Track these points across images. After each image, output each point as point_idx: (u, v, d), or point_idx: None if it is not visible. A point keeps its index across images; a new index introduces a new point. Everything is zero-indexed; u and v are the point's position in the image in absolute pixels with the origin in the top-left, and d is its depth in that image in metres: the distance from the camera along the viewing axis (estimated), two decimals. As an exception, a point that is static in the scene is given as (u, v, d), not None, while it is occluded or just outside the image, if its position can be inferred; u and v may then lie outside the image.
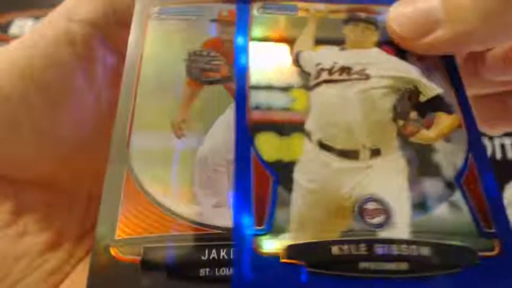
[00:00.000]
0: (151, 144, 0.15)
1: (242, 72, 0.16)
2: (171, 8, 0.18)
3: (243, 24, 0.17)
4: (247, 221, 0.13)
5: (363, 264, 0.13)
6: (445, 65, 0.17)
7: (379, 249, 0.13)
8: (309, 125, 0.15)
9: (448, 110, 0.15)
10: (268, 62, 0.16)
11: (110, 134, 0.15)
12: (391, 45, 0.17)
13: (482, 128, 0.19)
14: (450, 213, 0.14)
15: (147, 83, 0.16)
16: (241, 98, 0.15)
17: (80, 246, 0.17)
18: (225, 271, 0.13)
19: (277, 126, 0.15)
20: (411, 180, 0.14)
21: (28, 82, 0.16)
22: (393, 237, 0.13)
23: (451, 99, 0.16)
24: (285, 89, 0.16)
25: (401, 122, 0.15)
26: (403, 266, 0.13)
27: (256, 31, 0.17)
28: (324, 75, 0.16)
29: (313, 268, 0.12)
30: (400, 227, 0.13)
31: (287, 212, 0.13)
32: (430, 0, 0.15)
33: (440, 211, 0.14)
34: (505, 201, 0.33)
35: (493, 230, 0.13)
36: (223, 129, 0.15)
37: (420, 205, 0.14)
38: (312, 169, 0.14)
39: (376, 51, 0.17)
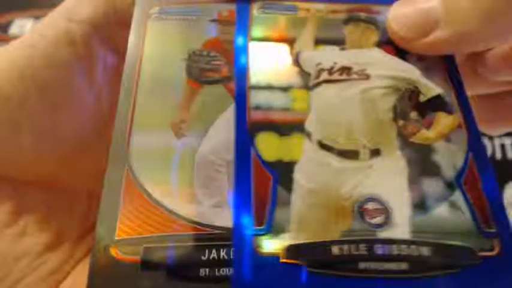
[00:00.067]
0: (151, 144, 0.15)
1: (242, 72, 0.16)
2: (171, 8, 0.18)
3: (243, 24, 0.17)
4: (247, 221, 0.13)
5: (363, 264, 0.13)
6: (445, 65, 0.17)
7: (379, 249, 0.13)
8: (309, 125, 0.15)
9: (448, 110, 0.15)
10: (268, 62, 0.16)
11: (110, 134, 0.15)
12: (391, 45, 0.17)
13: (482, 128, 0.19)
14: (450, 213, 0.14)
15: (147, 83, 0.16)
16: (241, 98, 0.15)
17: (80, 246, 0.17)
18: (225, 271, 0.13)
19: (277, 126, 0.15)
20: (411, 180, 0.14)
21: (28, 82, 0.16)
22: (393, 237, 0.13)
23: (451, 99, 0.16)
24: (285, 89, 0.16)
25: (401, 122, 0.15)
26: (403, 266, 0.13)
27: (256, 31, 0.17)
28: (324, 75, 0.16)
29: (313, 268, 0.12)
30: (400, 227, 0.13)
31: (287, 212, 0.13)
32: (430, 0, 0.15)
33: (440, 211, 0.14)
34: (505, 201, 0.33)
35: (493, 230, 0.13)
36: (223, 129, 0.15)
37: (420, 205, 0.14)
38: (312, 169, 0.14)
39: (376, 51, 0.17)
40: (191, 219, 0.14)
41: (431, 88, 0.16)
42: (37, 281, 0.15)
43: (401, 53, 0.17)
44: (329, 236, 0.13)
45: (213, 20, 0.17)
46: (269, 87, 0.16)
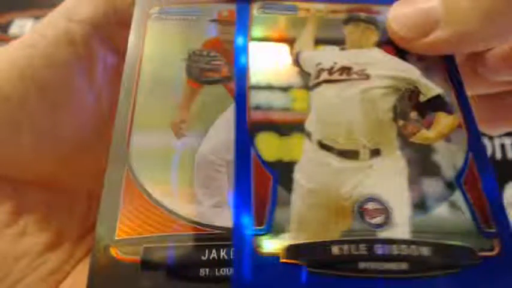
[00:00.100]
0: (151, 144, 0.15)
1: (242, 72, 0.16)
2: (171, 8, 0.18)
3: (243, 24, 0.17)
4: (247, 221, 0.13)
5: (362, 264, 0.13)
6: (445, 65, 0.17)
7: (379, 249, 0.13)
8: (309, 125, 0.15)
9: (448, 110, 0.15)
10: (268, 62, 0.16)
11: (110, 134, 0.15)
12: (391, 45, 0.17)
13: (482, 128, 0.19)
14: (450, 213, 0.14)
15: (147, 83, 0.16)
16: (241, 98, 0.15)
17: (80, 246, 0.17)
18: (225, 271, 0.13)
19: (277, 126, 0.15)
20: (411, 180, 0.14)
21: (28, 82, 0.16)
22: (393, 237, 0.13)
23: (451, 99, 0.16)
24: (285, 89, 0.16)
25: (401, 122, 0.15)
26: (403, 266, 0.13)
27: (256, 31, 0.17)
28: (324, 75, 0.16)
29: (313, 268, 0.12)
30: (400, 227, 0.13)
31: (287, 212, 0.13)
32: (430, 0, 0.15)
33: (440, 211, 0.14)
34: (505, 201, 0.33)
35: (493, 230, 0.13)
36: (223, 129, 0.15)
37: (420, 205, 0.14)
38: (312, 169, 0.14)
39: (376, 51, 0.17)
40: (191, 219, 0.14)
41: (431, 88, 0.16)
42: (37, 281, 0.15)
43: (401, 53, 0.17)
44: (329, 236, 0.13)
45: (213, 20, 0.17)
46: (269, 87, 0.16)
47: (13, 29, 0.40)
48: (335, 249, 0.13)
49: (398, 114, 0.15)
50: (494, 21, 0.14)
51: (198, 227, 0.14)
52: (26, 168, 0.17)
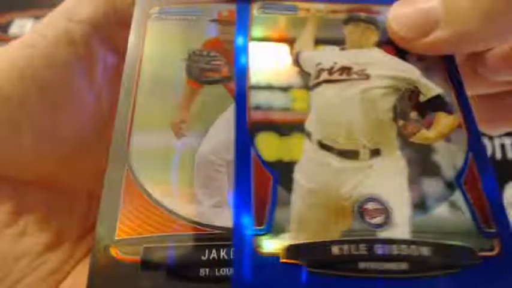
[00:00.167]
0: (151, 144, 0.15)
1: (242, 72, 0.16)
2: (171, 8, 0.18)
3: (243, 24, 0.17)
4: (247, 221, 0.13)
5: (362, 264, 0.13)
6: (445, 65, 0.17)
7: (379, 249, 0.13)
8: (309, 125, 0.15)
9: (448, 110, 0.15)
10: (268, 62, 0.16)
11: (110, 134, 0.15)
12: (391, 45, 0.17)
13: (482, 128, 0.19)
14: (450, 213, 0.14)
15: (147, 83, 0.16)
16: (241, 98, 0.15)
17: (80, 246, 0.17)
18: (225, 271, 0.13)
19: (277, 126, 0.15)
20: (411, 180, 0.14)
21: (28, 82, 0.16)
22: (393, 237, 0.13)
23: (451, 99, 0.16)
24: (285, 89, 0.16)
25: (401, 122, 0.15)
26: (403, 266, 0.13)
27: (256, 31, 0.17)
28: (324, 75, 0.16)
29: (313, 268, 0.12)
30: (400, 227, 0.13)
31: (287, 212, 0.13)
32: (430, 0, 0.15)
33: (440, 211, 0.14)
34: (505, 201, 0.33)
35: (493, 230, 0.13)
36: (223, 129, 0.15)
37: (420, 205, 0.14)
38: (312, 169, 0.14)
39: (376, 51, 0.17)
40: (191, 219, 0.14)
41: (431, 88, 0.16)
42: (37, 281, 0.15)
43: (401, 53, 0.17)
44: (329, 236, 0.13)
45: (213, 20, 0.17)
46: (269, 87, 0.16)
47: (13, 29, 0.40)
48: (335, 249, 0.13)
49: (398, 114, 0.15)
50: (494, 21, 0.14)
51: (198, 227, 0.14)
52: (26, 168, 0.17)
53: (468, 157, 0.15)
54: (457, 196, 0.14)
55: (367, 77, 0.16)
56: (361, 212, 0.13)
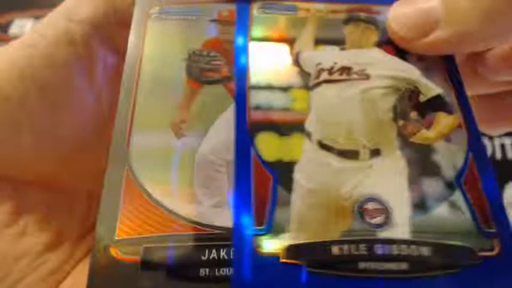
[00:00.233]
0: (151, 144, 0.15)
1: (242, 72, 0.16)
2: (171, 8, 0.18)
3: (243, 24, 0.17)
4: (247, 221, 0.13)
5: (363, 264, 0.13)
6: (445, 65, 0.17)
7: (379, 249, 0.13)
8: (309, 125, 0.15)
9: (448, 110, 0.15)
10: (268, 62, 0.16)
11: (110, 134, 0.15)
12: (391, 45, 0.17)
13: (482, 128, 0.19)
14: (450, 213, 0.14)
15: (147, 83, 0.16)
16: (241, 98, 0.15)
17: (80, 246, 0.17)
18: (225, 271, 0.13)
19: (277, 126, 0.15)
20: (411, 180, 0.14)
21: (28, 82, 0.16)
22: (393, 237, 0.13)
23: (451, 99, 0.16)
24: (285, 89, 0.16)
25: (401, 122, 0.15)
26: (403, 266, 0.13)
27: (256, 31, 0.17)
28: (324, 75, 0.16)
29: (313, 268, 0.12)
30: (400, 227, 0.13)
31: (287, 212, 0.13)
32: (430, 0, 0.15)
33: (440, 211, 0.14)
34: (505, 201, 0.33)
35: (493, 230, 0.13)
36: (223, 129, 0.15)
37: (420, 205, 0.14)
38: (312, 169, 0.14)
39: (376, 51, 0.17)
40: (191, 219, 0.14)
41: (431, 88, 0.16)
42: (37, 281, 0.15)
43: (401, 53, 0.17)
44: (329, 236, 0.13)
45: (213, 20, 0.17)
46: (269, 87, 0.16)
47: (13, 29, 0.40)
48: (335, 249, 0.13)
49: (398, 114, 0.15)
50: (494, 21, 0.14)
51: (198, 227, 0.14)
52: (26, 168, 0.17)
53: (468, 157, 0.15)
54: (457, 196, 0.14)
55: (367, 77, 0.16)
56: (361, 212, 0.13)
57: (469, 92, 0.16)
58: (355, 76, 0.16)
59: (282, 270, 0.12)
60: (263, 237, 0.13)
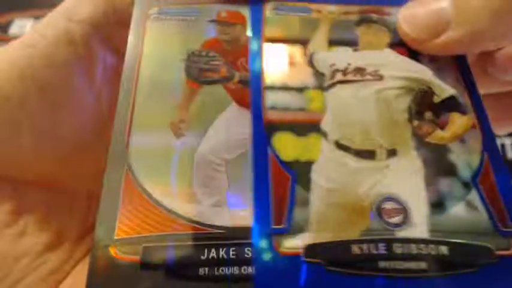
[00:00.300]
0: (151, 144, 0.15)
1: (257, 73, 0.16)
2: (170, 9, 0.18)
3: (256, 25, 0.17)
4: (266, 220, 0.13)
5: (382, 264, 0.13)
6: (457, 66, 0.17)
7: (398, 249, 0.13)
8: (325, 125, 0.15)
9: (462, 111, 0.15)
10: (282, 62, 0.16)
11: (109, 134, 0.15)
12: (404, 47, 0.17)
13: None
14: (467, 212, 0.14)
15: (146, 83, 0.16)
16: (257, 98, 0.15)
17: (79, 246, 0.16)
18: (224, 270, 0.13)
19: (293, 126, 0.15)
20: (427, 180, 0.14)
21: (28, 82, 0.16)
22: (411, 236, 0.13)
23: (465, 99, 0.16)
24: (300, 89, 0.16)
25: (416, 123, 0.15)
26: (422, 265, 0.13)
27: (270, 32, 0.17)
28: (339, 76, 0.16)
29: (333, 267, 0.13)
30: (419, 227, 0.13)
31: (306, 211, 0.13)
32: (441, 1, 0.15)
33: (457, 210, 0.14)
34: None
35: (509, 229, 0.13)
36: (222, 129, 0.15)
37: (437, 205, 0.14)
38: (329, 169, 0.14)
39: (388, 52, 0.17)
40: (190, 218, 0.14)
41: (445, 89, 0.16)
42: (37, 281, 0.15)
43: (413, 54, 0.17)
44: (348, 236, 0.13)
45: (212, 21, 0.17)
46: (284, 88, 0.16)
47: (13, 29, 0.39)
48: (355, 249, 0.13)
49: (413, 114, 0.15)
50: (504, 19, 0.14)
51: (198, 226, 0.13)
52: (26, 168, 0.16)
53: (483, 157, 0.15)
54: (474, 196, 0.14)
55: (381, 77, 0.16)
56: (379, 211, 0.13)
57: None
58: (368, 77, 0.16)
59: (302, 269, 0.12)
60: (282, 236, 0.13)
